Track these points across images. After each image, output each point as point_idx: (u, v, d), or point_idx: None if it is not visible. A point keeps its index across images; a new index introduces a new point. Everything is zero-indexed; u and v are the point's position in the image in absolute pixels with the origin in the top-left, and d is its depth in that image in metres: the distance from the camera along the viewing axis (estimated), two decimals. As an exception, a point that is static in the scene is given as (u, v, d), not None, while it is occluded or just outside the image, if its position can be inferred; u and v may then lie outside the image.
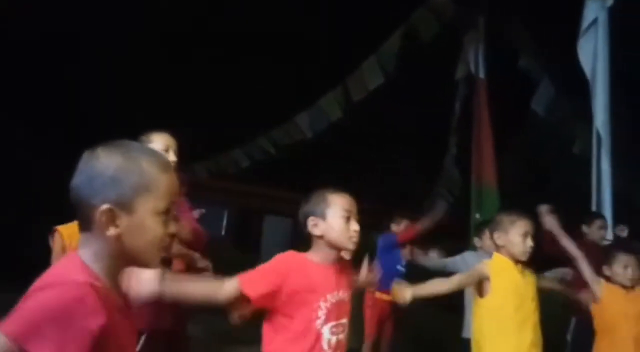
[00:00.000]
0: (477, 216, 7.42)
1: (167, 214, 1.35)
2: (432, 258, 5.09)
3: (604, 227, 5.13)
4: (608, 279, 3.76)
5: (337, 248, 2.37)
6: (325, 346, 2.25)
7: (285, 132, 9.77)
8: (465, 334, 4.30)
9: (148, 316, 2.84)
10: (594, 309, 3.77)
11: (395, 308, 5.70)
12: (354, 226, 2.36)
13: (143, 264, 1.39)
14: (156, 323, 2.89)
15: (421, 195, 9.66)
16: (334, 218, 2.35)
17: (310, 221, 2.36)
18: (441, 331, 6.56)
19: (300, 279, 2.26)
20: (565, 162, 9.79)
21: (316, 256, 2.37)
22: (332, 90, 8.97)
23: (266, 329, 2.30)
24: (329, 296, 2.29)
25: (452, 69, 8.82)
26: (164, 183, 1.35)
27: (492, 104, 8.03)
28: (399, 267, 5.67)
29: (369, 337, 5.60)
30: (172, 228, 1.37)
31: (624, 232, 5.67)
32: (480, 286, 3.16)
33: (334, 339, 2.27)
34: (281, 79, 14.28)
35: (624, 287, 3.69)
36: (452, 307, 4.68)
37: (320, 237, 2.36)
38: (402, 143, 13.98)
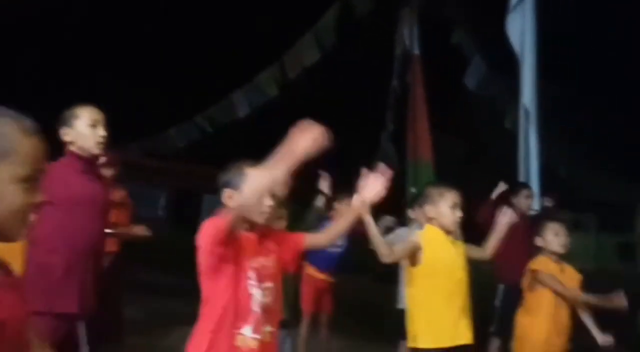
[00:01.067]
0: (413, 190, 7.57)
1: (30, 181, 1.26)
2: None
3: (530, 196, 5.41)
4: (541, 249, 3.93)
5: (249, 221, 2.40)
6: (256, 307, 2.33)
7: (222, 110, 9.65)
8: (399, 305, 4.42)
9: (78, 299, 2.78)
10: (531, 295, 3.92)
11: (331, 284, 5.79)
12: (268, 201, 2.39)
13: (3, 236, 1.28)
14: (87, 306, 2.84)
15: (358, 171, 9.76)
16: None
17: (225, 193, 2.39)
18: (378, 303, 6.72)
19: (235, 240, 2.32)
20: (496, 137, 10.11)
21: None
22: (269, 67, 8.90)
23: (206, 291, 2.35)
24: (254, 259, 2.36)
25: (389, 45, 8.89)
26: (25, 148, 1.25)
27: (426, 80, 8.16)
28: (331, 249, 5.69)
29: (306, 315, 5.65)
30: (37, 197, 1.27)
31: (550, 203, 5.95)
32: (413, 256, 3.26)
33: (265, 300, 2.35)
34: (217, 56, 14.06)
35: (556, 255, 3.85)
36: (388, 279, 4.79)
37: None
38: (338, 119, 14.05)
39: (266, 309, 2.36)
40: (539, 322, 3.84)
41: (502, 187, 5.44)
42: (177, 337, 2.41)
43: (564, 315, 3.79)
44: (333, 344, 6.21)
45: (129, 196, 4.61)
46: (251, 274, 2.35)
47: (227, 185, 2.41)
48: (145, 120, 11.01)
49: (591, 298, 3.84)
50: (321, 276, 5.69)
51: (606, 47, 14.98)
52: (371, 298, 6.81)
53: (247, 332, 2.31)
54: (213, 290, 2.33)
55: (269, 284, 2.40)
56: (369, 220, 3.04)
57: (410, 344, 3.25)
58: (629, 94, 13.51)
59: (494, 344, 5.35)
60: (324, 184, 4.17)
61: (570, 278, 3.87)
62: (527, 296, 3.94)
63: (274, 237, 2.52)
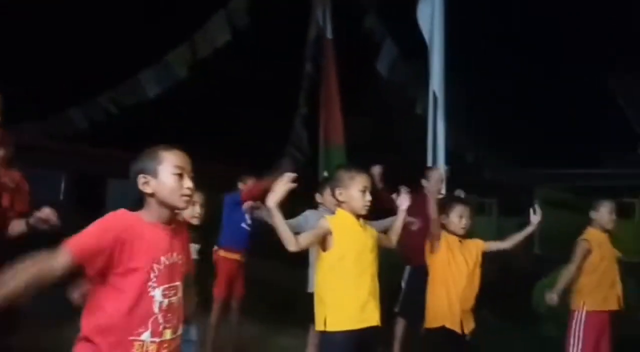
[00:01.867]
0: (326, 174, 7.60)
1: None
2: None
3: (440, 180, 5.54)
4: (444, 227, 4.06)
5: (169, 207, 2.28)
6: (156, 309, 2.17)
7: (128, 90, 9.24)
8: (310, 289, 4.42)
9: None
10: (432, 258, 4.05)
11: (244, 265, 5.73)
12: (187, 184, 2.28)
13: None
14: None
15: (271, 155, 9.69)
16: (166, 175, 2.25)
17: (141, 179, 2.25)
18: (289, 288, 6.72)
19: (133, 239, 2.14)
20: (407, 122, 10.32)
21: (149, 216, 2.25)
22: (179, 46, 8.61)
23: (95, 297, 2.16)
24: (162, 258, 2.21)
25: (302, 28, 8.83)
26: None
27: (339, 64, 8.19)
28: (243, 225, 5.67)
29: (217, 299, 5.57)
30: None
31: (462, 194, 6.13)
32: (323, 240, 3.25)
33: (165, 301, 2.20)
34: (124, 33, 13.45)
35: (458, 236, 4.01)
36: (298, 263, 4.76)
37: (152, 195, 2.25)
38: (251, 102, 13.89)
39: (168, 310, 2.21)
40: (439, 290, 3.98)
41: (377, 170, 5.47)
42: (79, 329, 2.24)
43: (463, 281, 3.93)
44: (244, 329, 6.17)
45: (26, 179, 4.32)
46: (153, 273, 2.18)
47: (143, 171, 2.25)
48: (48, 99, 10.36)
49: (497, 244, 4.17)
50: (234, 255, 5.61)
51: (512, 37, 15.65)
52: (282, 282, 6.80)
53: (146, 338, 2.15)
54: (104, 293, 2.13)
55: (174, 283, 2.25)
56: (274, 209, 3.01)
57: (320, 327, 3.25)
58: (531, 83, 14.20)
59: (400, 324, 5.49)
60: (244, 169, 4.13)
61: (469, 249, 4.02)
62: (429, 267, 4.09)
63: (184, 231, 2.41)
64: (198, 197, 3.80)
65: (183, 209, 2.31)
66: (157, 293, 2.17)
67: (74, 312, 2.30)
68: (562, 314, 5.52)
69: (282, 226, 3.06)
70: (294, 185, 3.02)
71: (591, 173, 12.36)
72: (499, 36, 15.52)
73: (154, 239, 2.21)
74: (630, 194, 10.84)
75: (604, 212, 4.62)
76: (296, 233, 3.21)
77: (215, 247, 5.70)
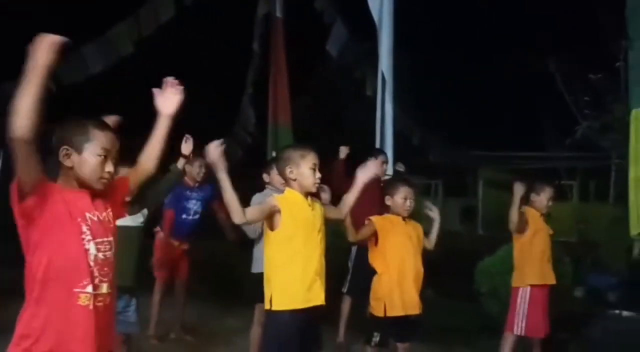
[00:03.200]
0: (274, 154, 7.56)
1: None
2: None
3: (385, 162, 5.60)
4: (388, 208, 4.10)
5: (85, 185, 2.27)
6: (91, 262, 2.21)
7: (69, 66, 8.88)
8: (254, 269, 4.40)
9: None
10: (376, 238, 4.08)
11: (186, 251, 5.65)
12: (109, 168, 2.27)
13: None
14: None
15: (218, 135, 9.56)
16: (90, 155, 2.23)
17: (63, 151, 2.22)
18: (234, 268, 6.69)
19: (59, 199, 2.17)
20: (356, 103, 10.35)
21: (66, 184, 2.26)
22: (122, 22, 8.31)
23: (35, 255, 2.16)
24: (88, 215, 2.24)
25: (251, 6, 8.68)
26: None
27: (289, 44, 8.12)
28: (184, 216, 5.53)
29: (159, 279, 5.50)
30: None
31: (402, 168, 6.21)
32: (271, 219, 3.22)
33: (100, 255, 2.24)
34: (66, 7, 12.92)
35: (402, 217, 4.06)
36: (245, 243, 4.73)
37: (70, 168, 2.24)
38: (196, 80, 13.62)
39: (104, 264, 2.24)
40: (383, 275, 4.03)
41: (344, 151, 5.57)
42: (16, 310, 2.20)
43: (405, 265, 3.99)
44: (190, 309, 6.12)
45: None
46: (85, 228, 2.20)
47: (67, 142, 2.22)
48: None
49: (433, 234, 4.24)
50: (175, 242, 5.53)
51: (460, 19, 15.83)
52: (228, 263, 6.76)
53: (88, 290, 2.18)
54: (39, 252, 2.15)
55: (107, 238, 2.27)
56: (223, 177, 2.99)
57: (266, 307, 3.24)
58: (477, 67, 14.44)
59: (346, 303, 5.56)
60: (186, 147, 4.00)
61: (413, 227, 4.10)
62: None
63: (106, 194, 2.38)
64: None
65: (100, 189, 2.29)
66: (91, 247, 2.21)
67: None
68: (502, 292, 5.72)
69: (230, 194, 3.02)
70: (223, 146, 3.01)
71: (532, 156, 12.76)
72: (446, 19, 15.70)
73: (76, 199, 2.23)
74: (568, 176, 11.27)
75: (543, 198, 4.79)
76: None
77: (157, 228, 5.59)
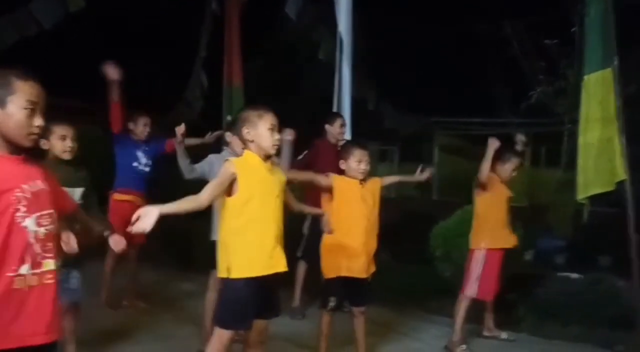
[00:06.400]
0: (229, 118, 7.43)
1: None
2: (181, 163, 4.83)
3: (343, 125, 5.57)
4: (343, 172, 4.07)
5: (13, 143, 2.08)
6: (31, 239, 2.04)
7: (15, 22, 8.43)
8: (213, 237, 4.31)
9: None
10: (331, 199, 4.05)
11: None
12: (38, 121, 2.09)
13: None
14: None
15: (170, 98, 9.31)
16: (15, 108, 2.04)
17: None
18: (190, 233, 6.60)
19: None
20: (314, 66, 10.21)
21: None
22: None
23: None
24: (24, 186, 2.05)
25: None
26: None
27: (247, 6, 7.92)
28: (135, 164, 5.45)
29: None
30: None
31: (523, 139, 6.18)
32: (228, 186, 3.12)
33: (41, 230, 2.07)
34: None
35: (359, 181, 4.04)
36: (202, 210, 4.63)
37: None
38: (148, 41, 13.18)
39: (46, 239, 2.08)
40: (334, 239, 4.01)
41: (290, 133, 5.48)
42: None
43: (357, 229, 3.99)
44: (147, 275, 6.03)
45: None
46: (20, 203, 2.02)
47: None
48: None
49: (393, 178, 4.52)
50: (129, 197, 5.37)
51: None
52: (184, 228, 6.66)
53: (25, 271, 2.02)
54: None
55: (46, 211, 2.10)
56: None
57: (223, 274, 3.17)
58: (434, 32, 14.39)
59: (301, 268, 5.56)
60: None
61: (370, 190, 4.08)
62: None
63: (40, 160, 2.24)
64: (68, 131, 3.61)
65: (28, 147, 2.11)
66: (29, 223, 2.04)
67: None
68: (455, 255, 5.81)
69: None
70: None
71: (487, 122, 12.90)
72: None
73: (9, 168, 2.05)
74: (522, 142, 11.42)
75: (508, 168, 4.85)
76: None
77: (111, 192, 5.47)
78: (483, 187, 4.76)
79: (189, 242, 6.66)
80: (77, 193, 3.61)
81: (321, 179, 4.03)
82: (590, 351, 4.97)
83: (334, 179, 4.02)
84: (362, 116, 7.82)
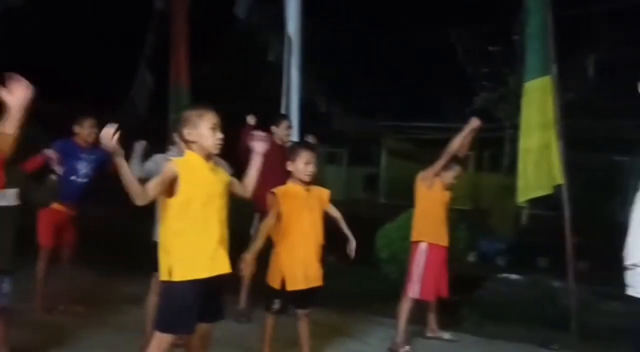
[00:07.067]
0: (174, 117, 7.33)
1: None
2: (133, 163, 4.72)
3: (290, 127, 5.56)
4: (290, 174, 4.05)
5: None
6: None
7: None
8: (155, 237, 4.22)
9: None
10: (278, 203, 4.02)
11: (73, 217, 5.35)
12: None
13: None
14: None
15: (117, 97, 9.11)
16: None
17: None
18: (131, 235, 6.45)
19: None
20: (263, 67, 10.18)
21: None
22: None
23: None
24: None
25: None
26: None
27: (195, 5, 7.82)
28: (73, 178, 5.20)
29: (45, 246, 5.20)
30: None
31: (312, 141, 6.18)
32: (169, 186, 3.06)
33: None
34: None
35: (303, 182, 4.02)
36: (144, 212, 4.53)
37: None
38: (92, 39, 12.86)
39: None
40: (281, 246, 4.00)
41: (251, 119, 5.50)
42: None
43: (307, 239, 3.98)
44: (82, 279, 5.85)
45: None
46: None
47: None
48: None
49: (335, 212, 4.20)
50: (60, 207, 5.19)
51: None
52: (125, 230, 6.51)
53: None
54: None
55: None
56: (121, 163, 2.81)
57: (164, 277, 3.09)
58: (381, 36, 14.57)
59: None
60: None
61: (316, 196, 4.07)
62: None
63: None
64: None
65: None
66: None
67: None
68: (401, 257, 5.89)
69: (129, 178, 2.86)
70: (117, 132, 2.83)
71: (433, 126, 13.15)
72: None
73: None
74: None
75: (450, 175, 4.94)
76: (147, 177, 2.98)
77: None
78: (437, 173, 4.83)
79: (132, 244, 6.51)
80: (10, 194, 3.48)
81: (272, 215, 3.96)
82: (529, 349, 5.10)
83: (279, 196, 3.97)
84: (312, 118, 7.85)
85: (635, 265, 2.13)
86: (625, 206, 2.25)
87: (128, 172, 2.87)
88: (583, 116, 8.91)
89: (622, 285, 2.20)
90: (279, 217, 3.99)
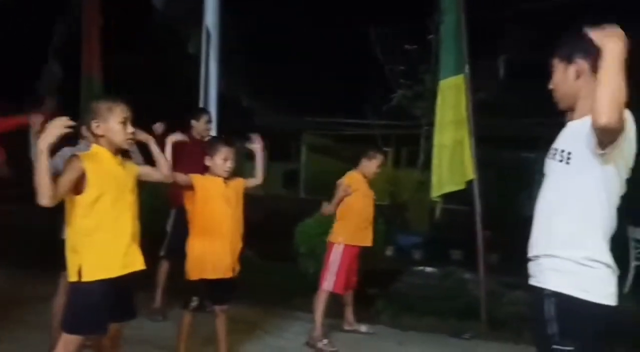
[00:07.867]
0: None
1: None
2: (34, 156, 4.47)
3: (209, 121, 5.47)
4: (208, 169, 3.98)
5: None
6: None
7: None
8: (63, 236, 4.03)
9: None
10: (194, 199, 3.95)
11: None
12: None
13: None
14: None
15: (26, 88, 8.65)
16: None
17: None
18: (44, 233, 6.16)
19: None
20: (182, 60, 9.97)
21: None
22: None
23: None
24: None
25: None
26: None
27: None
28: None
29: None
30: None
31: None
32: (76, 183, 2.90)
33: None
34: None
35: (222, 178, 3.97)
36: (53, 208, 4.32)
37: None
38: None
39: None
40: (198, 239, 3.95)
41: (159, 127, 5.27)
42: None
43: (221, 229, 3.93)
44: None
45: None
46: None
47: None
48: None
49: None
50: None
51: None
52: (38, 228, 6.17)
53: None
54: None
55: None
56: (44, 154, 2.66)
57: (73, 278, 2.94)
58: (304, 32, 14.56)
59: (164, 267, 5.38)
60: None
61: (233, 188, 4.03)
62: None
63: None
64: None
65: None
66: None
67: None
68: (319, 252, 5.93)
69: (44, 174, 2.69)
70: (68, 130, 2.71)
71: (353, 122, 13.31)
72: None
73: None
74: (384, 143, 11.94)
75: (373, 164, 5.00)
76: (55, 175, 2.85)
77: None
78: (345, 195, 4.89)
79: (47, 242, 6.21)
80: None
81: (180, 178, 3.88)
82: (442, 340, 5.26)
83: (195, 179, 3.92)
84: (232, 113, 7.75)
85: (536, 256, 2.24)
86: (532, 201, 2.35)
87: (46, 167, 2.70)
88: (493, 115, 9.28)
89: (527, 276, 2.31)
90: (193, 203, 3.92)
